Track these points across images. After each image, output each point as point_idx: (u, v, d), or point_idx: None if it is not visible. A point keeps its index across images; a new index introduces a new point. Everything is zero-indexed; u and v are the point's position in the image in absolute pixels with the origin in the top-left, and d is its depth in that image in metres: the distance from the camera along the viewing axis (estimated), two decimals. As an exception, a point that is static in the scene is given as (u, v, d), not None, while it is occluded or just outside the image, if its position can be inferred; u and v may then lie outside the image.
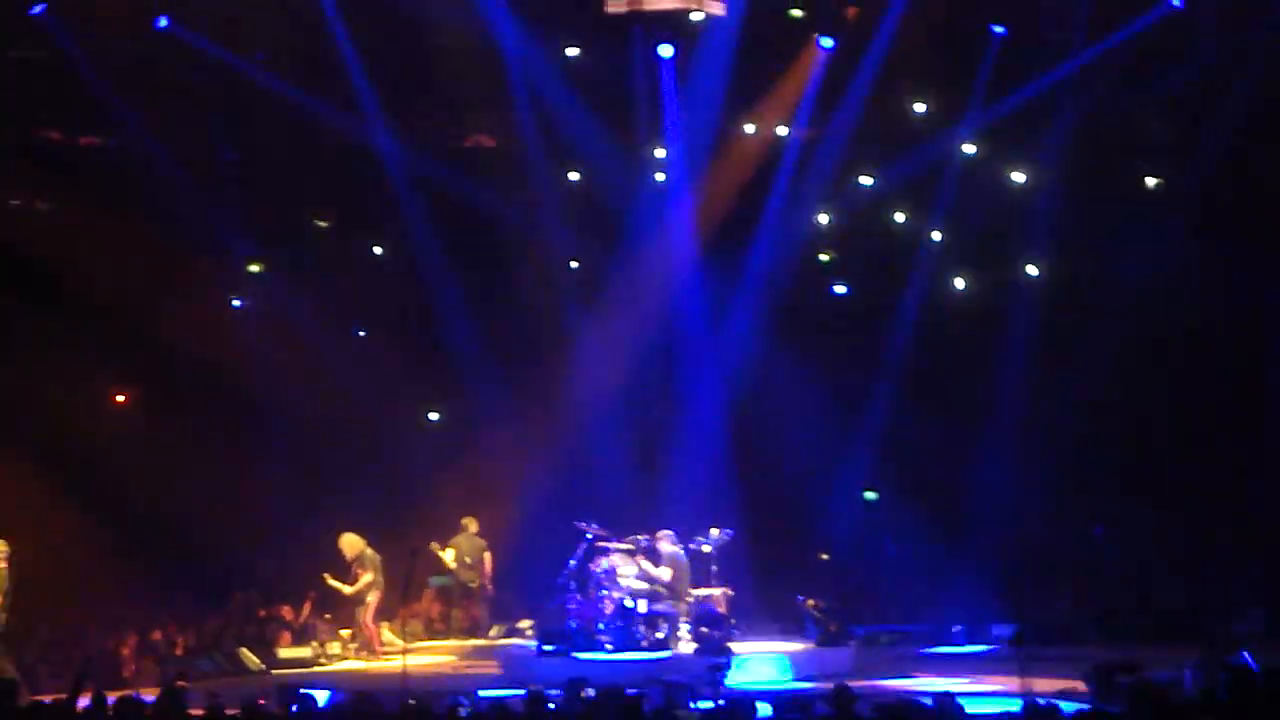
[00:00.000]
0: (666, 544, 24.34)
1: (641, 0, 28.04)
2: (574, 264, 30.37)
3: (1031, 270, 29.17)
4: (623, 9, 28.09)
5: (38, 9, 26.62)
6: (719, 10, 28.13)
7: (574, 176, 29.97)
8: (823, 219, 30.04)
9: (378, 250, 30.61)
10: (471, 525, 27.77)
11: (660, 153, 29.35)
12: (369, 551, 25.82)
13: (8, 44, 27.65)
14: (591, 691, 16.36)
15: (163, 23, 26.86)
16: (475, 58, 27.86)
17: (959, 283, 29.93)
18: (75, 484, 27.76)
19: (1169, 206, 28.00)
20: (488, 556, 27.73)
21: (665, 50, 28.30)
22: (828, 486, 29.45)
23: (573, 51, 28.30)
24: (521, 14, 27.57)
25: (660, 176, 29.58)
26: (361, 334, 30.85)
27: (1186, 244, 27.50)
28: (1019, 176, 28.67)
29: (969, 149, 28.71)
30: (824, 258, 30.31)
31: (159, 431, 28.57)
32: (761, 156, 29.40)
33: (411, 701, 16.27)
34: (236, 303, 30.36)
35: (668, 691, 17.84)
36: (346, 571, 25.79)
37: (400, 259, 30.40)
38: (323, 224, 30.47)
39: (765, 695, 16.87)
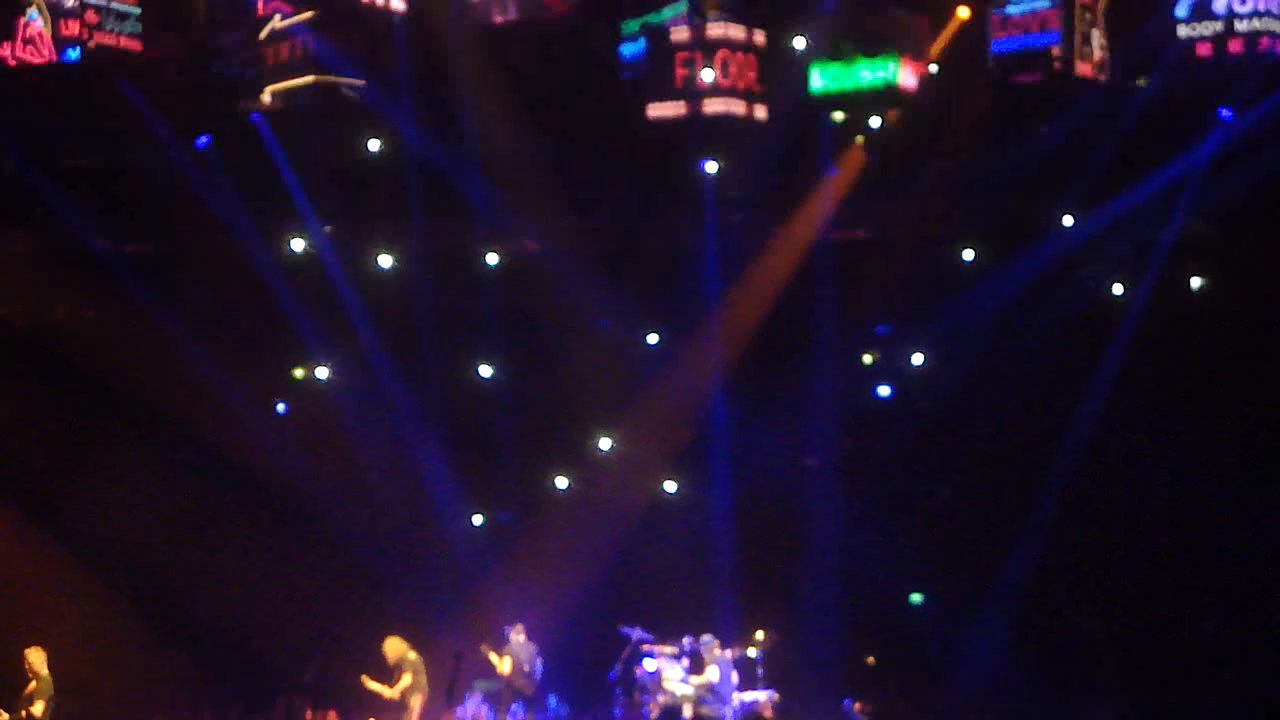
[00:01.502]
0: (711, 648, 24.21)
1: (683, 106, 28.36)
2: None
3: None
4: (665, 114, 28.43)
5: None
6: (761, 115, 28.40)
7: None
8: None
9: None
10: (520, 632, 27.66)
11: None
12: (411, 655, 25.66)
13: (56, 155, 28.11)
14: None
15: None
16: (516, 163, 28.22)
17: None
18: (121, 588, 27.88)
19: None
20: (539, 662, 27.59)
21: (710, 166, 28.52)
22: (872, 588, 29.22)
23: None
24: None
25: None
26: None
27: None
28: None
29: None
30: (868, 359, 30.20)
31: (204, 534, 28.61)
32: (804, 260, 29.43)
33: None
34: (280, 407, 30.45)
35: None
36: (390, 675, 25.67)
37: (442, 356, 30.49)
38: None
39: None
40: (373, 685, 25.47)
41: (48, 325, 28.93)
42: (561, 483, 30.28)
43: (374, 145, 28.76)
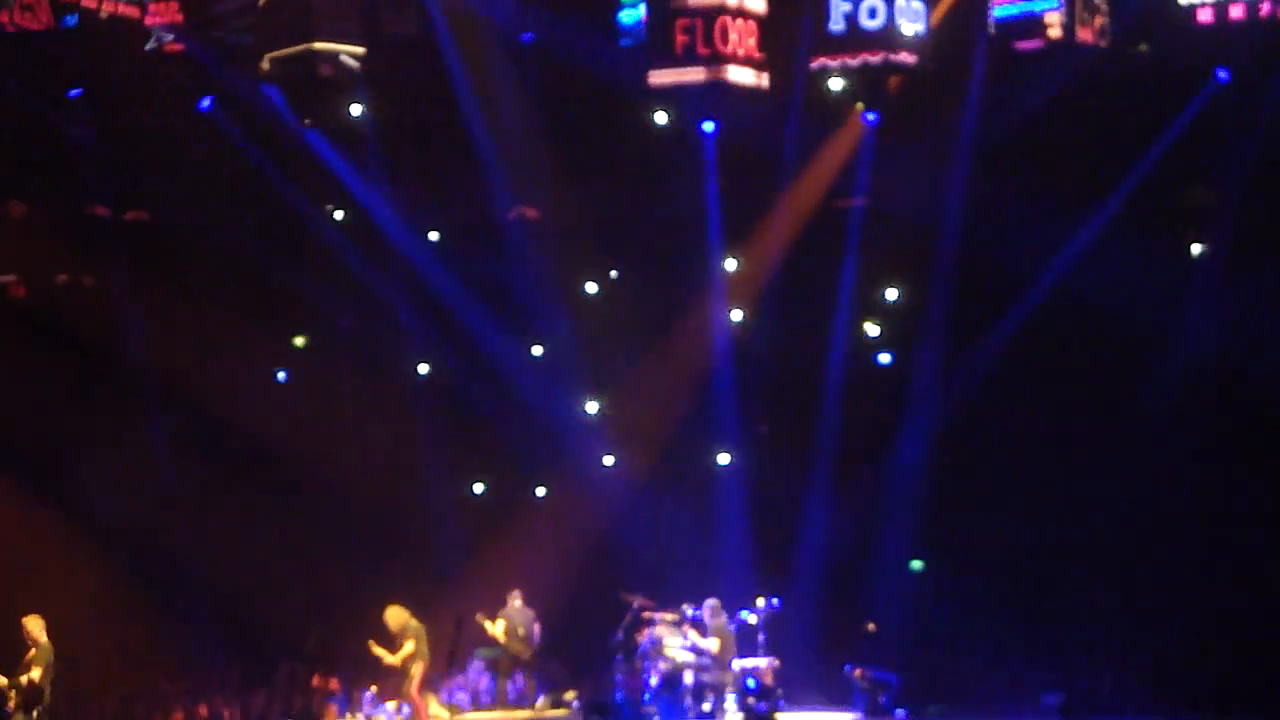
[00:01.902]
0: (712, 614, 24.25)
1: (683, 73, 28.24)
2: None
3: None
4: (664, 81, 28.32)
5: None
6: (762, 83, 28.29)
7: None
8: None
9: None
10: (516, 597, 27.74)
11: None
12: (413, 623, 25.72)
13: (55, 124, 28.04)
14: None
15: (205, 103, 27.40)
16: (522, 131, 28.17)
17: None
18: (122, 557, 27.92)
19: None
20: (536, 627, 27.68)
21: (707, 125, 28.45)
22: (875, 555, 29.28)
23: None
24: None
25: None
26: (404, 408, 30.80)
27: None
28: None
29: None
30: (872, 329, 30.18)
31: (205, 503, 28.63)
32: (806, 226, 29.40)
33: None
34: (281, 375, 30.44)
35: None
36: (392, 643, 25.73)
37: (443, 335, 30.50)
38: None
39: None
40: (377, 650, 25.56)
41: (48, 293, 28.87)
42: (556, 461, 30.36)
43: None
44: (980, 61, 27.76)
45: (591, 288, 30.39)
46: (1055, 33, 27.55)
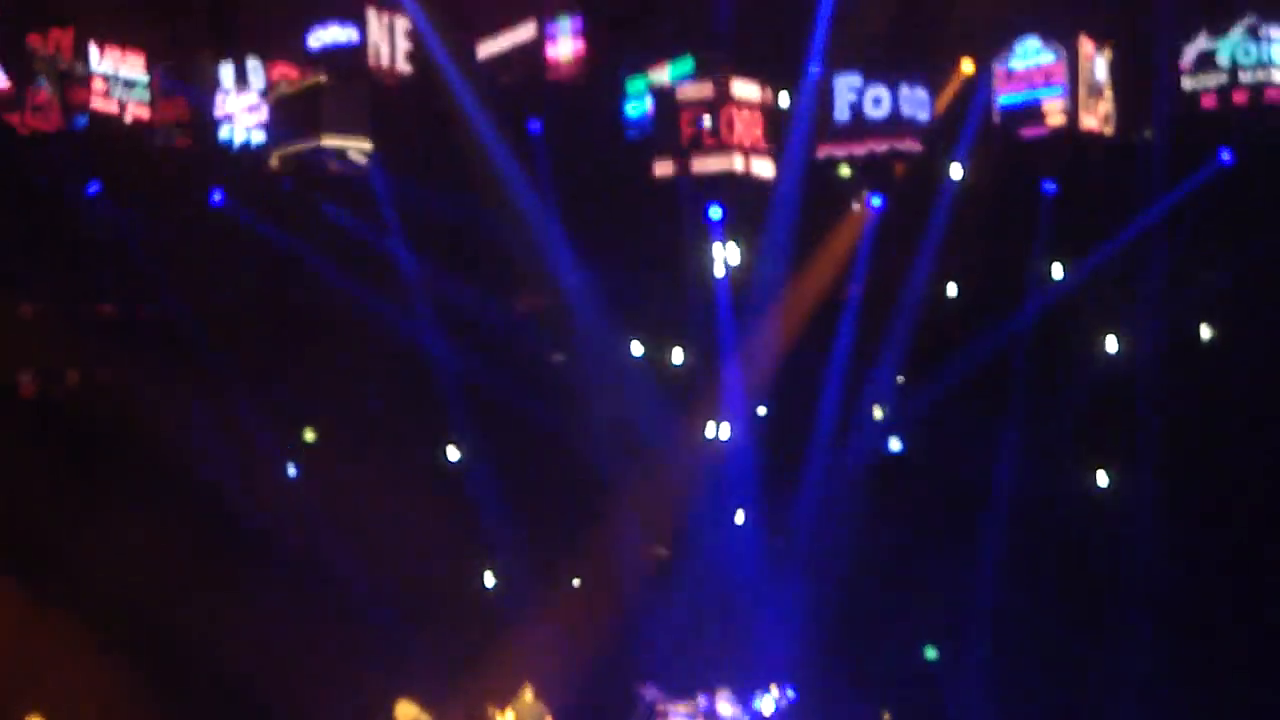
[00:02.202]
0: (726, 704, 24.11)
1: (689, 164, 28.48)
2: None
3: None
4: (670, 173, 28.55)
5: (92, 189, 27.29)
6: (768, 173, 28.50)
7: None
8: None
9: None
10: (528, 692, 27.56)
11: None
12: (424, 717, 25.58)
13: (64, 224, 28.26)
14: None
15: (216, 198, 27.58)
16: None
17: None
18: (129, 651, 27.81)
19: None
20: (548, 721, 27.52)
21: (714, 212, 28.61)
22: (890, 643, 29.15)
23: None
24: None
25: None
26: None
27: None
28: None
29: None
30: (878, 414, 30.17)
31: (215, 598, 28.50)
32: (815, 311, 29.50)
33: None
34: (291, 470, 30.42)
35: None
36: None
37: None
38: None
39: None
40: None
41: (59, 391, 28.90)
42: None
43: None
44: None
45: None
46: (1057, 120, 27.79)
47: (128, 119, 28.47)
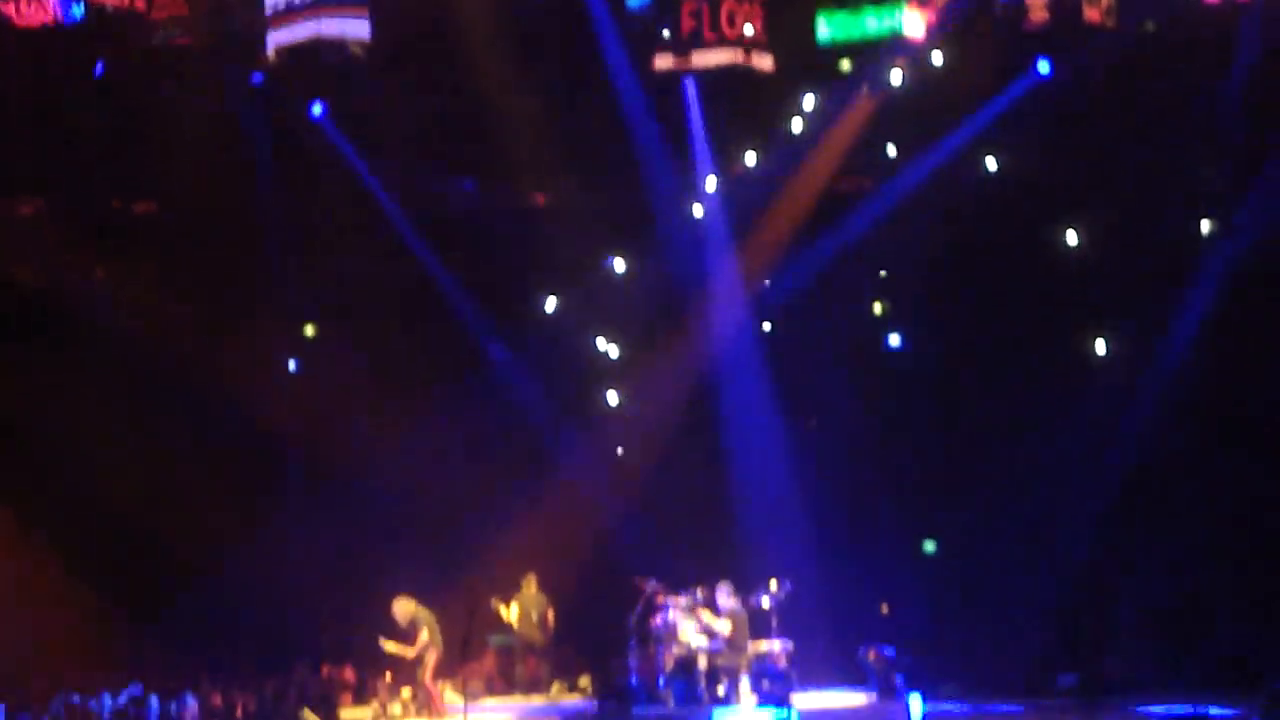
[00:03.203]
0: (725, 598, 24.28)
1: (689, 58, 28.30)
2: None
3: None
4: (670, 65, 28.39)
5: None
6: (766, 65, 28.33)
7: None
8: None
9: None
10: (531, 582, 27.82)
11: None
12: (423, 612, 25.79)
13: (66, 113, 28.13)
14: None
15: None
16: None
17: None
18: (132, 548, 27.99)
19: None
20: (550, 613, 27.74)
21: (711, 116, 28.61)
22: (887, 536, 29.31)
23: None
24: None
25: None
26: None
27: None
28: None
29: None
30: (878, 309, 30.16)
31: (218, 494, 28.64)
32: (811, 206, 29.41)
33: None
34: (291, 365, 30.47)
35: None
36: (402, 635, 25.76)
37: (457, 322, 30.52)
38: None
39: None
40: (390, 647, 25.60)
41: (59, 288, 28.90)
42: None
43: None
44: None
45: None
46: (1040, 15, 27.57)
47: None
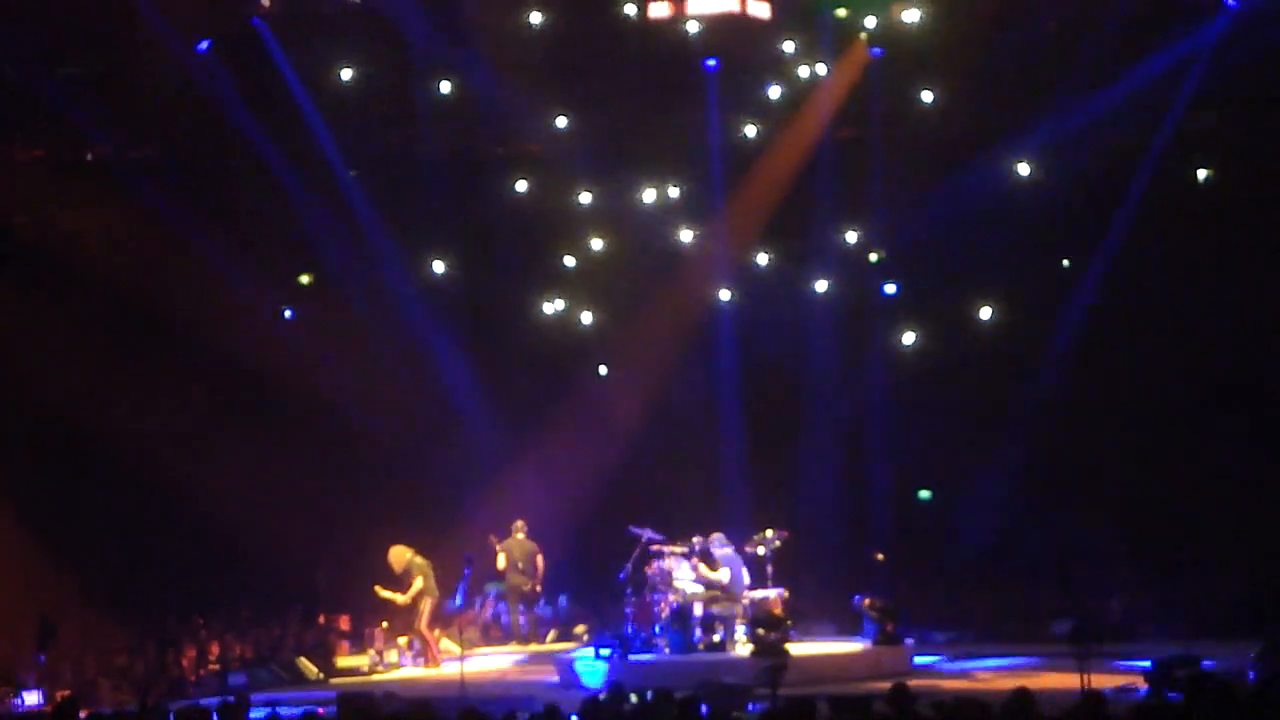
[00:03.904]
0: (721, 546, 24.31)
1: (684, 4, 28.16)
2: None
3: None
4: (666, 14, 28.24)
5: None
6: (763, 13, 28.19)
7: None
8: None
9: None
10: (520, 530, 27.82)
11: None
12: (418, 560, 25.83)
13: (58, 62, 27.96)
14: (633, 698, 16.29)
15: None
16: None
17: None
18: (128, 495, 28.02)
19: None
20: (539, 560, 27.77)
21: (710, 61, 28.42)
22: (883, 484, 29.36)
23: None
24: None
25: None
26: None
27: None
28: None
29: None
30: (874, 257, 30.11)
31: (212, 442, 28.65)
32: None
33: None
34: (287, 313, 30.42)
35: (724, 694, 17.80)
36: (397, 583, 25.81)
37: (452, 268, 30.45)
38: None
39: (823, 695, 16.76)
40: (385, 594, 25.66)
41: (53, 233, 28.83)
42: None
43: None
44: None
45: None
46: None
47: None
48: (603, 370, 30.47)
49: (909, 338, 29.51)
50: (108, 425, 28.13)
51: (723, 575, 23.91)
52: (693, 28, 28.11)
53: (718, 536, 24.37)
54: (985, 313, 29.20)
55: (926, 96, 28.32)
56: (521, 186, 29.84)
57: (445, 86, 28.92)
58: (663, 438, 29.75)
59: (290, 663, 25.67)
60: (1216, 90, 27.40)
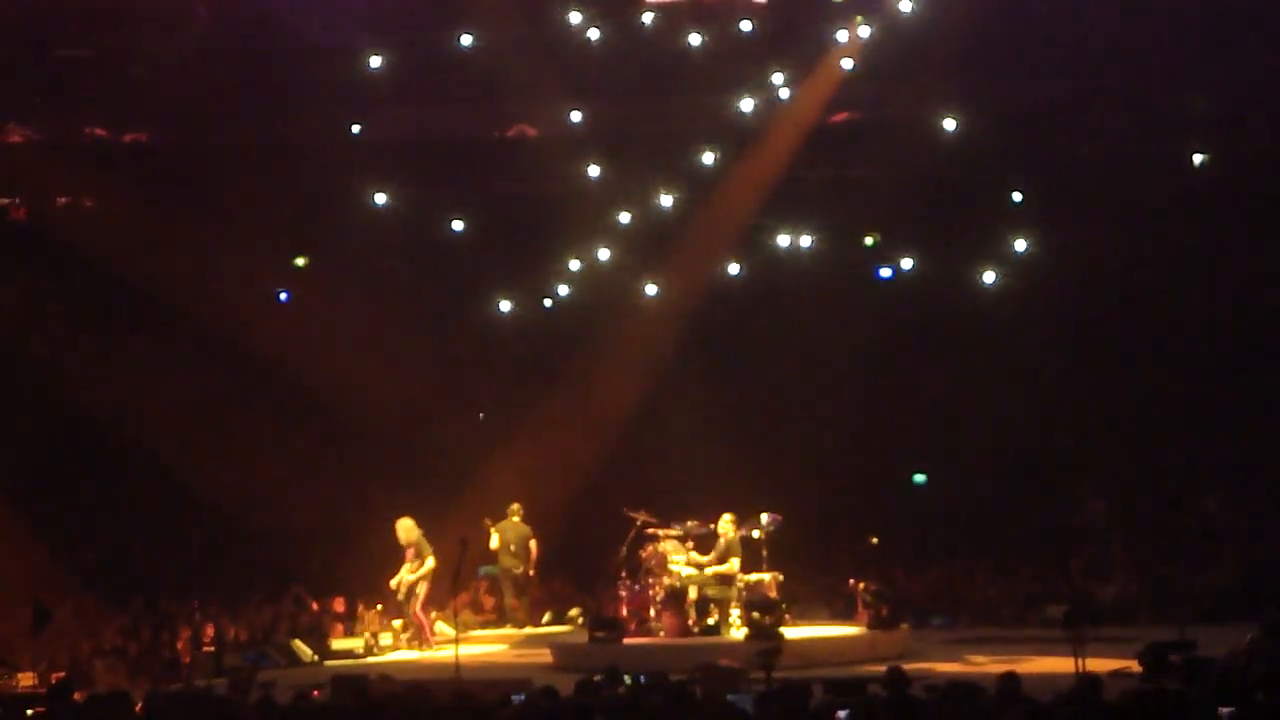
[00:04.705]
0: (716, 529, 24.29)
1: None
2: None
3: None
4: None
5: None
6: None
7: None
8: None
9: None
10: (517, 512, 27.74)
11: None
12: (424, 541, 25.78)
13: (54, 43, 27.91)
14: (627, 679, 16.30)
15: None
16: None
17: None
18: (125, 478, 28.03)
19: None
20: (533, 544, 27.71)
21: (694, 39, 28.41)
22: (878, 468, 29.39)
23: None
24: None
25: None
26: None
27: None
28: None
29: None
30: (869, 241, 30.13)
31: (207, 424, 28.65)
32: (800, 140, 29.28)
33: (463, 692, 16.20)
34: (283, 296, 30.40)
35: (719, 677, 17.81)
36: (400, 558, 25.73)
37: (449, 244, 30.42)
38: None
39: (818, 679, 16.79)
40: (409, 578, 25.44)
41: (48, 214, 28.78)
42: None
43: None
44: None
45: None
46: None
47: None
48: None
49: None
50: (102, 407, 28.13)
51: (719, 559, 23.89)
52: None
53: (716, 520, 24.33)
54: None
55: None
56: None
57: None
58: (655, 422, 29.75)
59: (285, 645, 25.64)
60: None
